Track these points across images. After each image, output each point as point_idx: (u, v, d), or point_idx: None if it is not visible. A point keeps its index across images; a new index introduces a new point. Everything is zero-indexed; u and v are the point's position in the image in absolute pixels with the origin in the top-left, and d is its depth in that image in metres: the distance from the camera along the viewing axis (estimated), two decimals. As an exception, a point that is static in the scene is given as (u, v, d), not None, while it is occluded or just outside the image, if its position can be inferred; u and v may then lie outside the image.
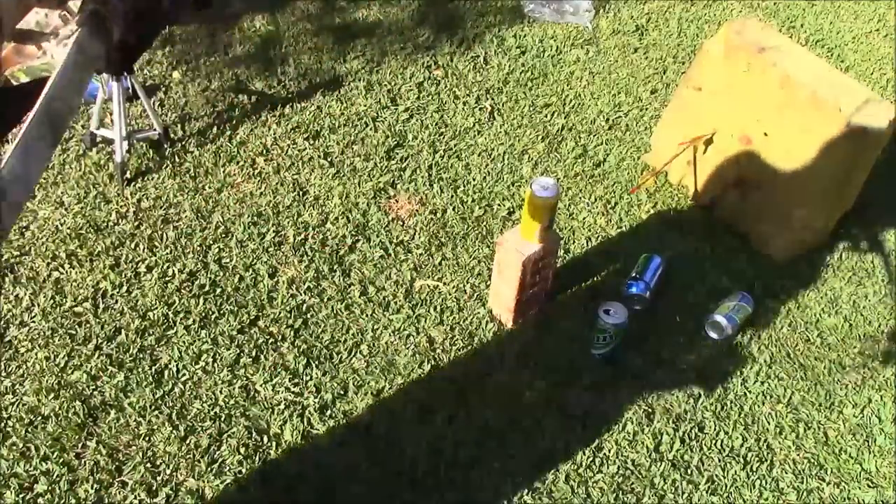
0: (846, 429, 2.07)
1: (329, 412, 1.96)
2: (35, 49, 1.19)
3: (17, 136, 0.96)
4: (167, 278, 2.21)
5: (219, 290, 2.19)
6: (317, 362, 2.06)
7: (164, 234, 2.32)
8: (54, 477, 1.79)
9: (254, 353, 2.06)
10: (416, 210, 2.48)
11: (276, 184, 2.51)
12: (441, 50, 3.10)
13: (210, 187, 2.47)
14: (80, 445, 1.85)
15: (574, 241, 2.45)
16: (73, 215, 2.34)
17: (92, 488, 1.78)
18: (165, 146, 2.55)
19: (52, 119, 1.02)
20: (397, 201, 2.51)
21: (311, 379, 2.02)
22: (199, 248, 2.29)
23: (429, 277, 2.29)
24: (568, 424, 1.99)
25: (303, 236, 2.36)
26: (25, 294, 2.13)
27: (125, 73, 2.30)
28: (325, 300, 2.20)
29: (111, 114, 2.41)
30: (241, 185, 2.50)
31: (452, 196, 2.54)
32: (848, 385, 2.17)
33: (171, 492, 1.79)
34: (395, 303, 2.21)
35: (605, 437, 1.98)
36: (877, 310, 2.37)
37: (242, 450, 1.87)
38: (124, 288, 2.17)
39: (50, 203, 2.37)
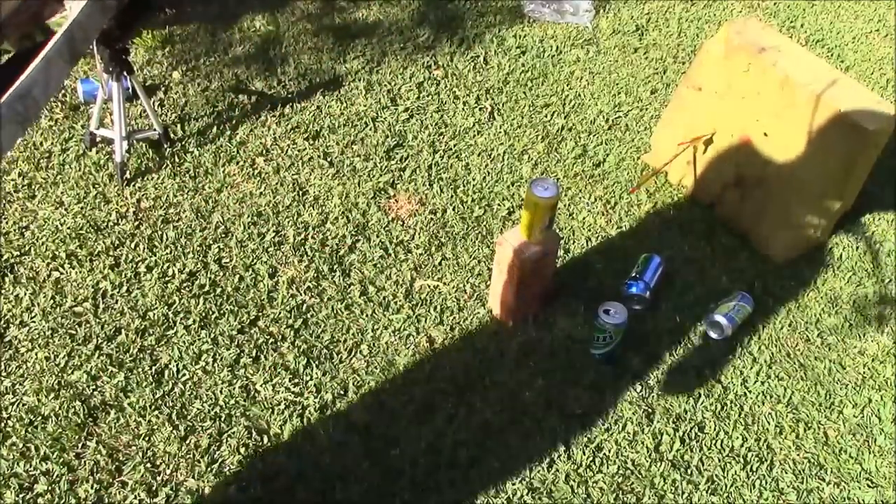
0: (846, 429, 2.07)
1: (329, 412, 1.96)
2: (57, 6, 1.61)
3: (42, 53, 1.27)
4: (167, 278, 2.21)
5: (219, 290, 2.19)
6: (317, 362, 2.06)
7: (164, 234, 2.32)
8: (54, 477, 1.79)
9: (254, 353, 2.06)
10: (416, 210, 2.48)
11: (276, 184, 2.51)
12: (441, 50, 3.10)
13: (210, 187, 2.47)
14: (80, 445, 1.85)
15: (574, 241, 2.45)
16: (73, 215, 2.34)
17: (92, 488, 1.78)
18: (165, 146, 2.55)
19: (71, 43, 1.33)
20: (397, 201, 2.51)
21: (311, 379, 2.02)
22: (199, 248, 2.29)
23: (429, 277, 2.29)
24: (568, 424, 1.99)
25: (303, 236, 2.36)
26: (25, 294, 2.13)
27: (125, 73, 2.30)
28: (325, 300, 2.20)
29: (111, 114, 2.41)
30: (241, 185, 2.50)
31: (452, 196, 2.54)
32: (848, 385, 2.17)
33: (171, 492, 1.79)
34: (395, 303, 2.21)
35: (605, 437, 1.98)
36: (877, 310, 2.37)
37: (242, 450, 1.87)
38: (124, 288, 2.17)
39: (50, 203, 2.37)
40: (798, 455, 2.01)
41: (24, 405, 1.91)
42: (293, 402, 1.97)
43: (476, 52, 3.11)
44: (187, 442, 1.88)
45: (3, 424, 1.87)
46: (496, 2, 3.38)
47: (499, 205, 2.52)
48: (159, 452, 1.85)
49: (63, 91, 2.73)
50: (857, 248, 2.55)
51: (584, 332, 2.18)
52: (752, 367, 2.18)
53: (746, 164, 2.43)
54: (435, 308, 2.21)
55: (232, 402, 1.96)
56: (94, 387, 1.96)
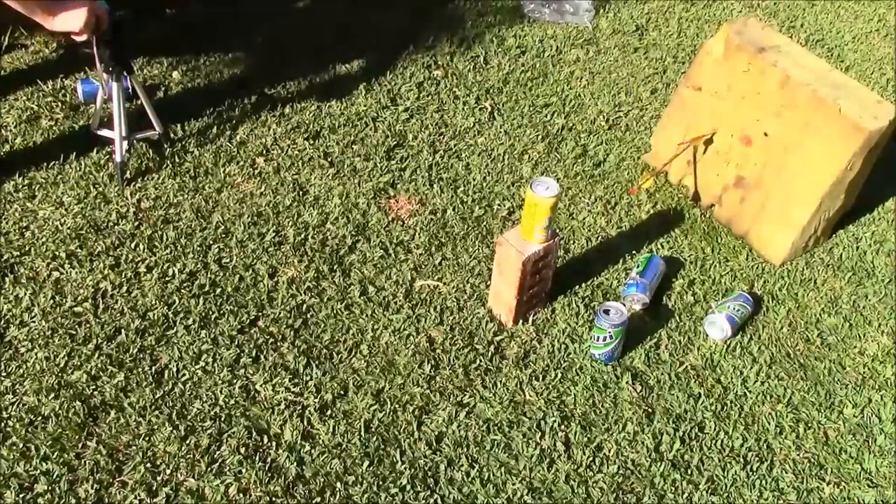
0: (846, 429, 2.07)
1: (329, 412, 1.96)
2: None
3: None
4: (167, 278, 2.21)
5: (219, 290, 2.19)
6: (317, 362, 2.06)
7: (164, 234, 2.32)
8: (54, 477, 1.79)
9: (254, 353, 2.06)
10: (416, 210, 2.48)
11: (276, 184, 2.51)
12: (441, 50, 3.10)
13: (210, 187, 2.47)
14: (80, 445, 1.85)
15: (574, 241, 2.45)
16: (73, 215, 2.34)
17: (92, 488, 1.78)
18: (165, 146, 2.55)
19: None
20: (397, 201, 2.51)
21: (311, 379, 2.02)
22: (199, 248, 2.29)
23: (429, 277, 2.29)
24: (568, 424, 1.99)
25: (303, 236, 2.36)
26: (25, 294, 2.13)
27: (125, 73, 2.30)
28: (325, 300, 2.20)
29: (111, 114, 2.41)
30: (241, 185, 2.50)
31: (452, 196, 2.54)
32: (848, 385, 2.17)
33: (171, 492, 1.79)
34: (395, 303, 2.21)
35: (605, 437, 1.98)
36: (877, 310, 2.37)
37: (242, 450, 1.87)
38: (124, 288, 2.17)
39: (50, 203, 2.37)
40: (798, 455, 2.01)
41: (24, 405, 1.91)
42: (293, 402, 1.97)
43: (476, 52, 3.11)
44: (187, 442, 1.87)
45: (3, 424, 1.87)
46: (496, 2, 3.38)
47: (499, 205, 2.52)
48: (159, 452, 1.85)
49: (63, 91, 2.73)
50: (857, 248, 2.55)
51: (583, 332, 2.18)
52: (752, 367, 2.18)
53: (746, 164, 2.43)
54: (435, 308, 2.21)
55: (232, 402, 1.96)
56: (94, 387, 1.96)
